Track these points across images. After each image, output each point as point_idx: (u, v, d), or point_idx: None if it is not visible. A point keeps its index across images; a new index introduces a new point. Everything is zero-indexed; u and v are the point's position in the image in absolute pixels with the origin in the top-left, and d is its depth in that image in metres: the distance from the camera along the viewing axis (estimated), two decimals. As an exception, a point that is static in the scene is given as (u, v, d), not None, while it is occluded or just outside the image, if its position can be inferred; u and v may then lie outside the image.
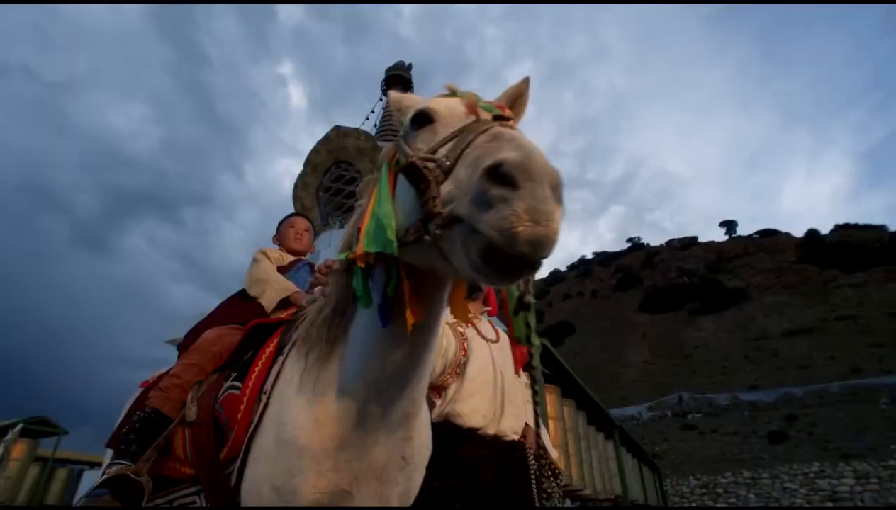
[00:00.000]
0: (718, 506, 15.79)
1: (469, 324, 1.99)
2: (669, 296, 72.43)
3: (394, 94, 1.24)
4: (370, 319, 1.11)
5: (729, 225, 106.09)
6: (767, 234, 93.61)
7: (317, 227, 12.04)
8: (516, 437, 1.79)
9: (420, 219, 0.84)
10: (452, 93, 1.09)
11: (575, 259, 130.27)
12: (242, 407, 1.35)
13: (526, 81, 1.20)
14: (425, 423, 1.33)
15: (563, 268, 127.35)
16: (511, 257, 0.68)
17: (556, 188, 0.70)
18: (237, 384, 1.44)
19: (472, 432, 1.72)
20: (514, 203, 0.66)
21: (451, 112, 0.98)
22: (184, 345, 1.82)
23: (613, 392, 47.07)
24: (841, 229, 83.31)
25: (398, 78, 17.18)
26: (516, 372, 1.26)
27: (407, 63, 17.77)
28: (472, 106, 0.97)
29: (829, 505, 16.79)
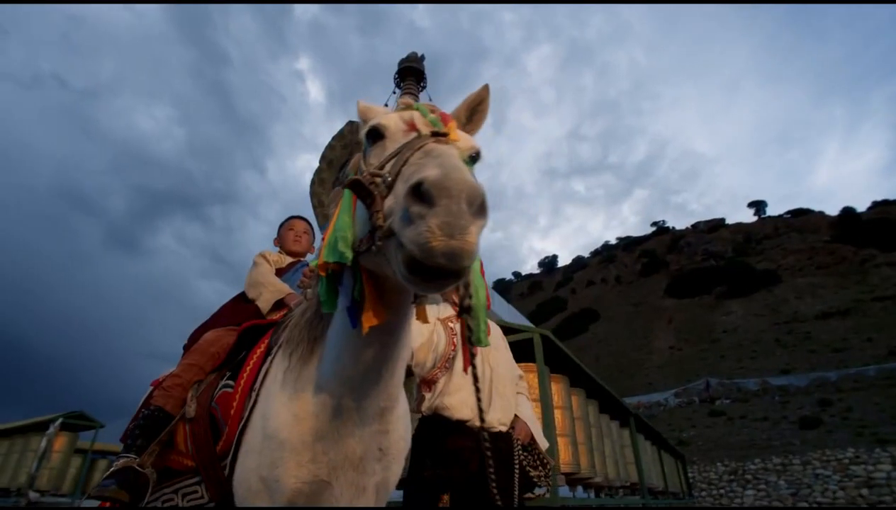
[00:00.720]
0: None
1: (459, 319, 2.03)
2: (696, 279, 70.84)
3: (361, 104, 1.29)
4: (342, 321, 1.18)
5: (758, 205, 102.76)
6: (799, 213, 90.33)
7: (334, 222, 12.25)
8: (504, 428, 1.84)
9: (369, 230, 0.91)
10: (407, 107, 1.14)
11: (598, 244, 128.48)
12: (235, 404, 1.45)
13: (485, 88, 1.25)
14: (402, 417, 1.39)
15: (586, 254, 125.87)
16: (430, 268, 0.75)
17: (474, 203, 0.75)
18: (230, 383, 1.55)
19: (461, 424, 1.78)
20: (429, 219, 0.72)
21: (398, 128, 1.04)
22: (187, 346, 1.94)
23: (639, 378, 46.54)
24: (879, 206, 79.61)
25: (411, 70, 17.10)
26: (464, 370, 1.30)
27: (420, 54, 17.65)
28: (412, 123, 1.02)
29: (864, 492, 16.34)
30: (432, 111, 1.15)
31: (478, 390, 0.93)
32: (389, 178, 0.89)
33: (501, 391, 1.91)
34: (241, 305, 2.04)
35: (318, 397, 1.24)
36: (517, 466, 1.71)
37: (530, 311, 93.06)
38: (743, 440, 22.38)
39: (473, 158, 1.13)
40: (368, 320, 1.03)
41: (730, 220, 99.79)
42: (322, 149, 13.73)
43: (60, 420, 6.12)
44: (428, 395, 1.88)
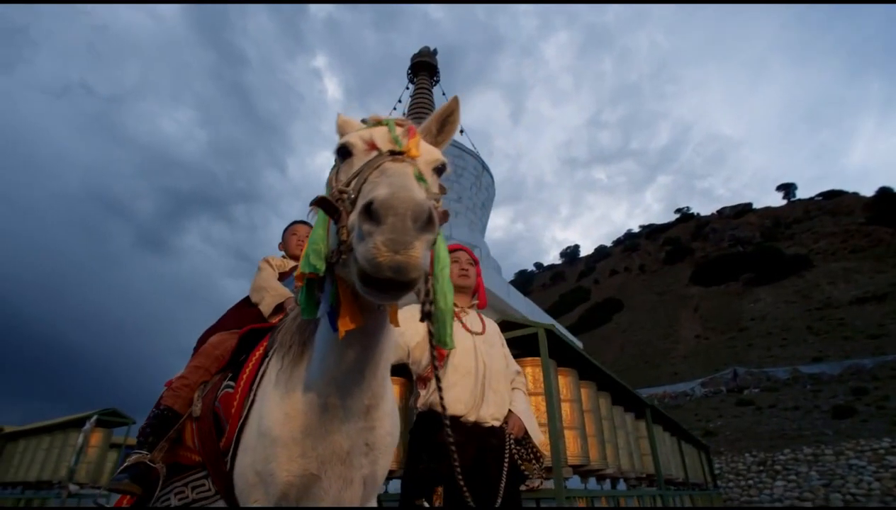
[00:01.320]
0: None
1: (456, 318, 2.09)
2: (722, 266, 69.11)
3: (340, 119, 1.37)
4: (326, 325, 1.26)
5: (787, 188, 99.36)
6: (832, 195, 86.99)
7: (351, 220, 12.42)
8: (497, 423, 1.89)
9: (338, 243, 0.99)
10: (377, 123, 1.21)
11: (621, 233, 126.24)
12: (235, 403, 1.55)
13: (454, 101, 1.32)
14: (389, 414, 1.47)
15: (608, 243, 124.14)
16: (379, 281, 0.83)
17: (419, 220, 0.82)
18: (231, 383, 1.65)
19: (455, 419, 1.84)
20: (376, 236, 0.80)
21: (362, 146, 1.11)
22: (195, 348, 2.06)
23: (664, 368, 45.84)
24: (917, 185, 75.98)
25: (424, 64, 17.11)
26: (430, 372, 1.37)
27: (432, 48, 17.64)
28: (371, 143, 1.09)
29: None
30: (400, 125, 1.22)
31: (438, 380, 1.00)
32: (353, 195, 0.97)
33: (495, 387, 1.96)
34: (245, 309, 2.15)
35: (307, 396, 1.32)
36: (507, 459, 1.76)
37: (553, 302, 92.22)
38: (772, 430, 21.88)
39: (439, 170, 1.19)
40: (344, 325, 1.10)
41: (757, 205, 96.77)
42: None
43: (95, 417, 6.41)
44: (423, 392, 1.95)
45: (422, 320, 1.00)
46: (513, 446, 1.86)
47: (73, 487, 6.50)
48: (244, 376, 1.62)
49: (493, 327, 2.22)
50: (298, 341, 1.41)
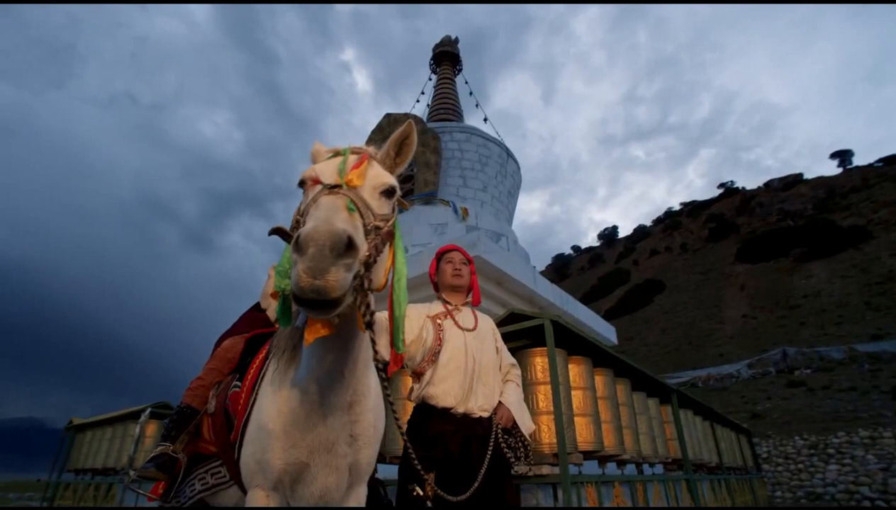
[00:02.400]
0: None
1: (449, 316, 2.21)
2: (771, 242, 65.71)
3: (314, 147, 1.52)
4: None
5: (842, 155, 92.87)
6: (894, 160, 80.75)
7: (378, 214, 12.65)
8: (485, 414, 2.01)
9: None
10: (336, 153, 1.36)
11: (661, 212, 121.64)
12: (241, 401, 1.75)
13: (409, 125, 1.44)
14: (372, 409, 1.62)
15: (648, 222, 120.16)
16: (306, 301, 0.98)
17: (335, 248, 0.97)
18: (238, 383, 1.85)
19: (445, 411, 1.98)
20: (299, 264, 0.96)
21: (311, 180, 1.26)
22: (214, 349, 2.28)
23: (709, 349, 44.37)
24: None
25: (446, 54, 17.06)
26: (388, 373, 1.49)
27: (454, 37, 17.55)
28: (315, 179, 1.24)
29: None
30: (356, 153, 1.36)
31: (388, 395, 1.13)
32: (303, 224, 1.12)
33: (484, 380, 2.08)
34: (255, 315, 2.35)
35: (296, 394, 1.50)
36: (490, 447, 1.88)
37: (592, 285, 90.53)
38: (825, 412, 20.90)
39: (388, 192, 1.33)
40: (310, 334, 1.26)
41: (809, 175, 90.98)
42: (365, 142, 14.17)
43: (149, 410, 6.94)
44: (416, 386, 2.09)
45: (364, 329, 1.15)
46: (500, 435, 1.97)
47: (133, 473, 7.09)
48: (249, 377, 1.82)
49: (486, 323, 2.33)
50: (290, 346, 1.58)
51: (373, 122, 12.67)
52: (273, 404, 1.53)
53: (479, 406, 2.01)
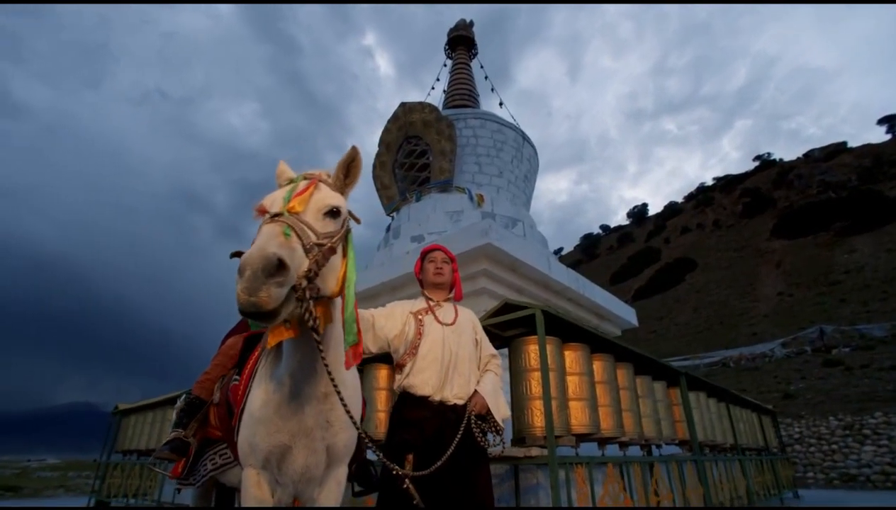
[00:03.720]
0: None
1: (430, 312, 2.40)
2: (810, 216, 62.95)
3: (279, 167, 1.72)
4: None
5: (891, 121, 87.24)
6: (947, 124, 75.46)
7: (396, 203, 12.86)
8: (460, 402, 2.20)
9: None
10: (290, 180, 1.56)
11: (693, 187, 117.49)
12: (239, 393, 1.99)
13: (353, 150, 1.65)
14: (347, 399, 1.83)
15: (679, 199, 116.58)
16: (247, 314, 1.21)
17: (266, 269, 1.19)
18: (237, 377, 2.11)
19: (424, 399, 2.18)
20: (238, 286, 1.18)
21: (261, 209, 1.45)
22: (218, 348, 2.54)
23: (742, 329, 43.29)
24: None
25: (461, 39, 16.92)
26: (346, 367, 1.68)
27: (468, 20, 17.37)
28: (262, 209, 1.43)
29: None
30: (307, 178, 1.56)
31: (329, 375, 1.35)
32: None
33: (460, 371, 2.26)
34: None
35: (278, 386, 1.73)
36: (461, 432, 2.07)
37: (621, 265, 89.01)
38: (862, 392, 20.24)
39: (332, 212, 1.52)
40: (272, 337, 1.49)
41: (854, 143, 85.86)
42: (382, 131, 14.31)
43: (184, 396, 7.45)
44: (399, 376, 2.29)
45: (296, 334, 1.37)
46: (474, 420, 2.16)
47: (153, 456, 7.66)
48: (245, 371, 2.06)
49: (466, 317, 2.49)
50: (277, 345, 1.81)
51: (396, 106, 12.76)
52: (260, 395, 1.78)
53: (455, 394, 2.20)
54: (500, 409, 2.28)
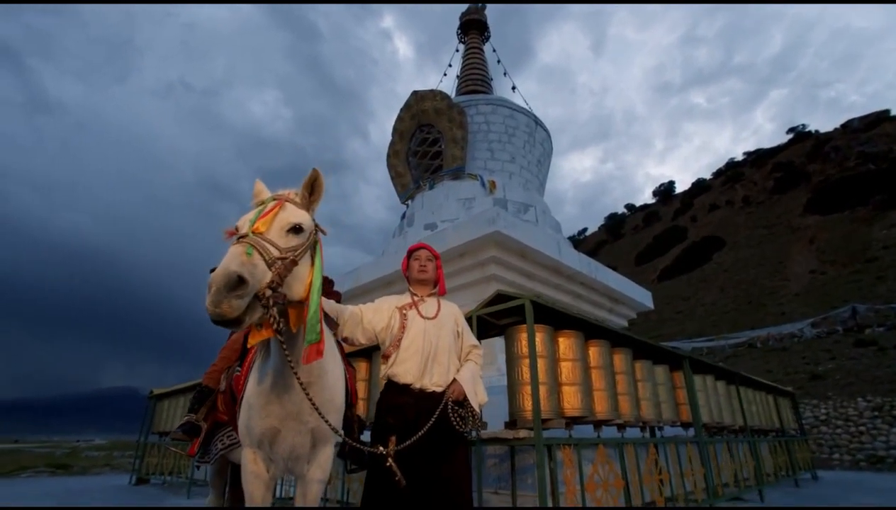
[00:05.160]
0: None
1: (414, 306, 2.59)
2: (846, 189, 60.28)
3: (256, 187, 1.92)
4: None
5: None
6: None
7: (410, 191, 13.03)
8: (439, 389, 2.39)
9: None
10: (261, 202, 1.75)
11: (722, 163, 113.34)
12: (241, 382, 2.25)
13: (314, 172, 1.84)
14: (329, 387, 2.07)
15: (707, 175, 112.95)
16: (215, 322, 1.42)
17: (227, 285, 1.40)
18: (239, 368, 2.36)
19: (406, 386, 2.38)
20: (206, 299, 1.39)
21: (230, 232, 1.65)
22: (226, 342, 2.81)
23: (771, 308, 42.21)
24: None
25: (473, 22, 16.78)
26: (304, 362, 1.86)
27: (479, 3, 17.15)
28: (231, 231, 1.62)
29: None
30: (275, 199, 1.76)
31: (289, 359, 1.55)
32: None
33: (440, 361, 2.45)
34: None
35: (267, 376, 1.98)
36: (435, 417, 2.26)
37: (646, 245, 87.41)
38: (894, 373, 19.69)
39: (295, 229, 1.72)
40: (252, 338, 1.71)
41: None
42: (395, 120, 14.43)
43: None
44: (384, 366, 2.50)
45: (274, 334, 1.58)
46: (451, 406, 2.36)
47: (168, 437, 8.20)
48: (245, 363, 2.32)
49: (448, 311, 2.67)
50: (265, 343, 2.04)
51: (417, 88, 12.78)
52: (253, 385, 2.03)
53: (434, 382, 2.40)
54: (478, 396, 2.47)
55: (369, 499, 2.25)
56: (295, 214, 1.77)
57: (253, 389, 2.01)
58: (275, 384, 1.93)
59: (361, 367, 4.71)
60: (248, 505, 2.07)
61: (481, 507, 3.85)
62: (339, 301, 3.08)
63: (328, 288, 3.25)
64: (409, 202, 12.97)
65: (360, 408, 4.45)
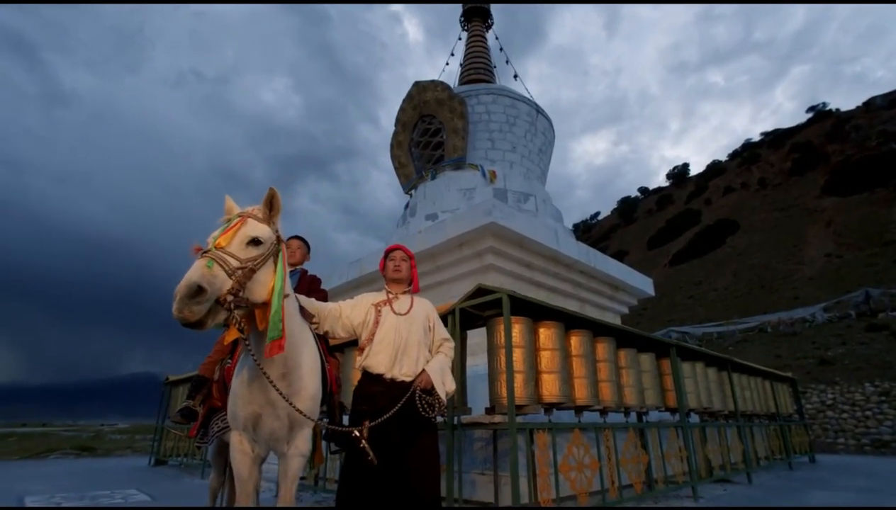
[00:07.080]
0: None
1: (388, 304, 2.82)
2: (867, 170, 58.70)
3: (227, 203, 2.15)
4: None
5: (966, 61, 78.52)
6: None
7: (413, 181, 13.20)
8: (408, 379, 2.63)
9: None
10: (228, 219, 1.99)
11: (738, 144, 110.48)
12: (232, 373, 2.51)
13: (270, 190, 2.08)
14: (304, 376, 2.33)
15: (723, 157, 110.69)
16: (181, 325, 1.66)
17: (188, 294, 1.64)
18: (229, 360, 2.64)
19: (378, 376, 2.63)
20: (172, 305, 1.62)
21: (197, 248, 1.88)
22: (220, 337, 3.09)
23: (784, 292, 41.73)
24: None
25: (476, 10, 16.69)
26: (266, 356, 2.05)
27: (483, -10, 16.99)
28: (198, 248, 1.85)
29: None
30: (241, 215, 2.00)
31: (253, 356, 1.78)
32: None
33: (409, 353, 2.68)
34: None
35: (247, 367, 2.23)
36: (402, 402, 2.50)
37: (659, 228, 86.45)
38: (905, 356, 19.52)
39: (254, 241, 1.95)
40: (228, 336, 1.97)
41: (921, 88, 78.28)
42: (398, 111, 14.53)
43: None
44: (360, 358, 2.75)
45: (238, 331, 1.82)
46: (419, 394, 2.59)
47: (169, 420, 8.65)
48: (235, 356, 2.58)
49: (420, 307, 2.90)
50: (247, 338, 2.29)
51: (427, 72, 12.77)
52: (237, 375, 2.30)
53: (404, 373, 2.63)
54: (446, 385, 2.70)
55: (346, 475, 2.51)
56: (255, 229, 2.01)
57: (238, 379, 2.28)
58: (252, 376, 2.19)
59: (358, 360, 5.00)
60: (236, 480, 2.35)
61: (464, 502, 4.10)
62: (325, 299, 3.33)
63: (315, 286, 3.50)
64: (413, 192, 13.15)
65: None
